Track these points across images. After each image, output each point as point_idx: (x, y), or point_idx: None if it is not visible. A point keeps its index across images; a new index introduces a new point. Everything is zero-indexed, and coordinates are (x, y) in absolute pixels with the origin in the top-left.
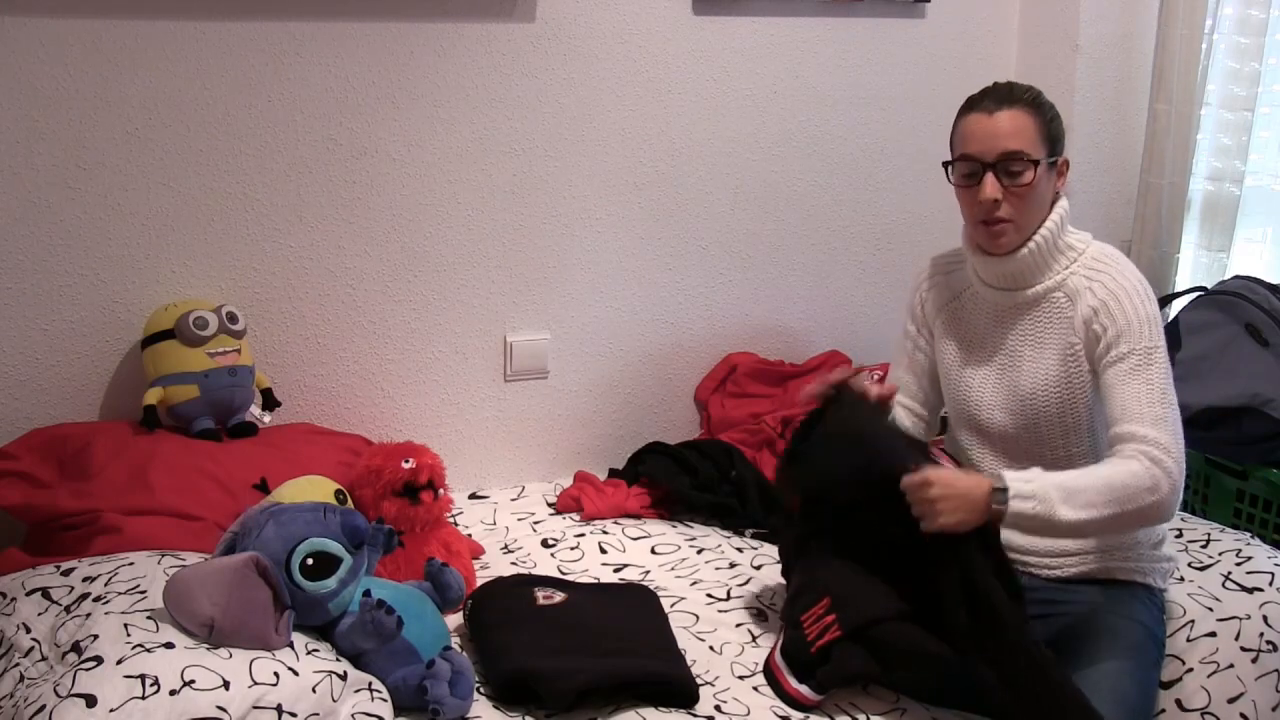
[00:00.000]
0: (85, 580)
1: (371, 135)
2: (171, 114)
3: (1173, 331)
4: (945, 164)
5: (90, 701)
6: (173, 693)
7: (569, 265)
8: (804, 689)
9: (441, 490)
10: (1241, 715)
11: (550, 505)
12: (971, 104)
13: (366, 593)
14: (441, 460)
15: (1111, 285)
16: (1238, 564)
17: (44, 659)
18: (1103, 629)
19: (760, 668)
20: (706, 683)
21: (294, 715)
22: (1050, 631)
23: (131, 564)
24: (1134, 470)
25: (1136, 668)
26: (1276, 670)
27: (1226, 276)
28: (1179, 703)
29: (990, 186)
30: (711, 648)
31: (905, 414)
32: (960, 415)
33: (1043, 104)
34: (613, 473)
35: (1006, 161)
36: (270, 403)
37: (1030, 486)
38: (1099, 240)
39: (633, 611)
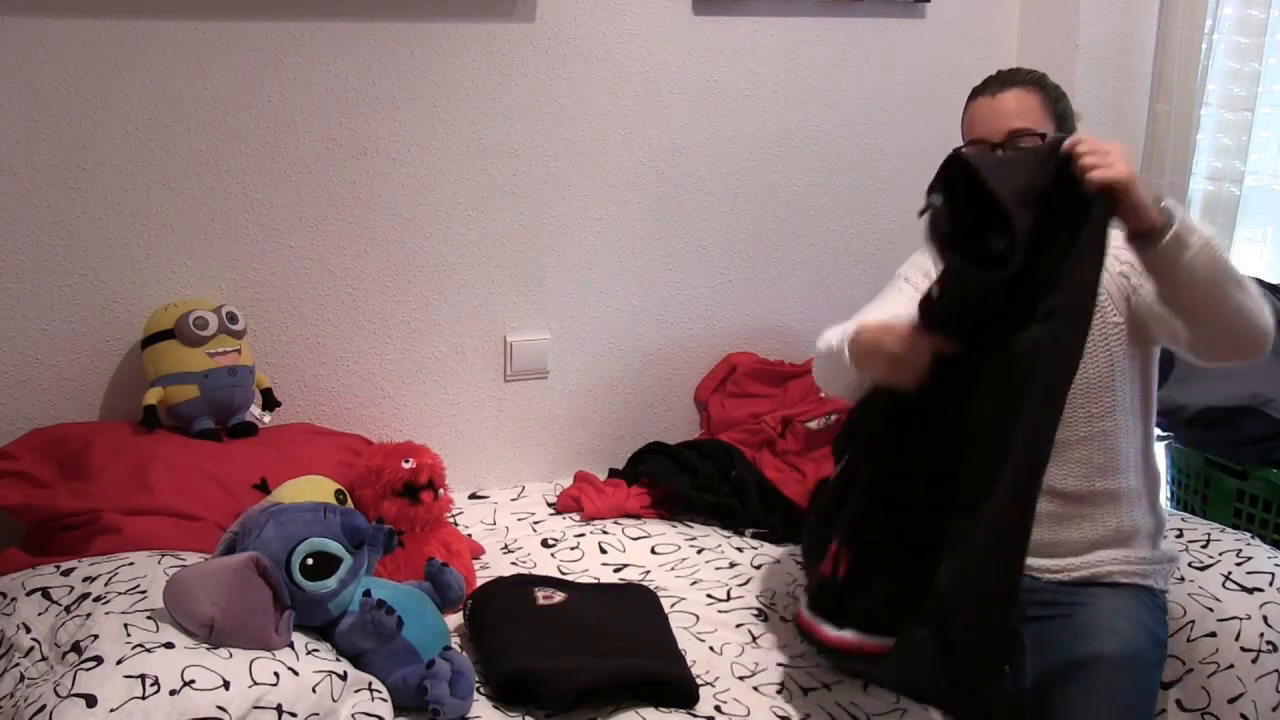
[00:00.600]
0: (85, 580)
1: (371, 135)
2: (171, 114)
3: None
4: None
5: (90, 701)
6: (173, 693)
7: (569, 265)
8: (845, 635)
9: (441, 490)
10: (1241, 715)
11: (550, 505)
12: (976, 90)
13: (366, 593)
14: (441, 460)
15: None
16: (1238, 564)
17: (44, 659)
18: (1104, 631)
19: (760, 667)
20: (706, 683)
21: (294, 715)
22: (1051, 633)
23: (131, 564)
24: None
25: (1137, 669)
26: (1276, 670)
27: None
28: (1179, 703)
29: None
30: (711, 648)
31: None
32: None
33: (1047, 84)
34: (613, 473)
35: (1014, 139)
36: (270, 403)
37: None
38: None
39: (633, 611)
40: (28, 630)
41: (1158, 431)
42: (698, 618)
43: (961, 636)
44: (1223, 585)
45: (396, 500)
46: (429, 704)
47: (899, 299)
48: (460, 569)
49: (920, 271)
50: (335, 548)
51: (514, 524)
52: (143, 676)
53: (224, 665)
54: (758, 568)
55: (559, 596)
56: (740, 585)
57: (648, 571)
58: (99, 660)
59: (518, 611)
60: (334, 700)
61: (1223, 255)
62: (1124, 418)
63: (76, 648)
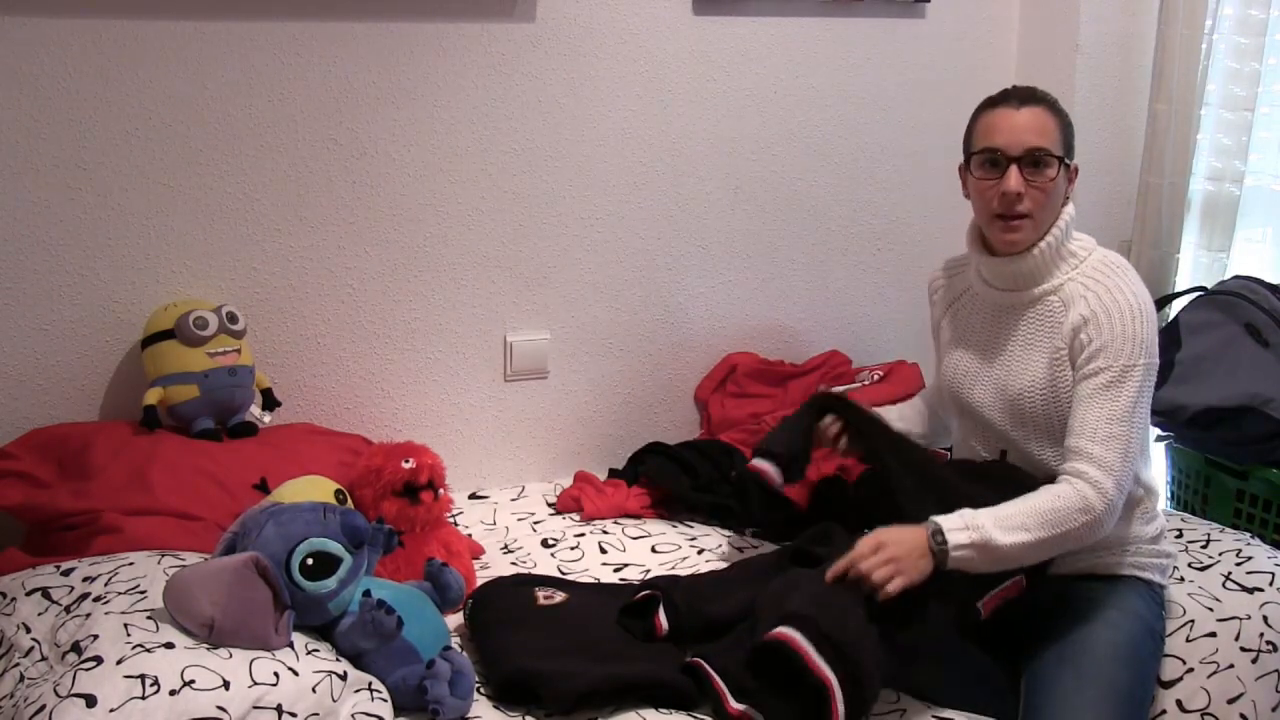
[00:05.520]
0: (85, 580)
1: (371, 135)
2: (171, 114)
3: (1172, 331)
4: (966, 157)
5: (90, 701)
6: (173, 693)
7: (569, 265)
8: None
9: (441, 490)
10: (1241, 716)
11: (550, 505)
12: (994, 101)
13: (366, 593)
14: (441, 460)
15: (1106, 299)
16: (1238, 564)
17: (44, 659)
18: (1098, 621)
19: None
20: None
21: (294, 715)
22: (1049, 624)
23: (131, 564)
24: (1062, 493)
25: (1129, 659)
26: (1276, 670)
27: (1226, 276)
28: (1179, 703)
29: (1014, 179)
30: None
31: (920, 418)
32: (961, 415)
33: (1061, 110)
34: (613, 473)
35: (1032, 154)
36: (270, 403)
37: (960, 519)
38: (1102, 244)
39: None
40: (28, 630)
41: (1158, 432)
42: None
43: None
44: (1223, 585)
45: (396, 500)
46: (429, 704)
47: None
48: (460, 569)
49: (930, 308)
50: (335, 548)
51: (514, 524)
52: (143, 676)
53: (224, 665)
54: None
55: (559, 596)
56: None
57: (648, 571)
58: (99, 660)
59: (518, 611)
60: (334, 700)
61: (1016, 541)
62: None
63: (76, 648)
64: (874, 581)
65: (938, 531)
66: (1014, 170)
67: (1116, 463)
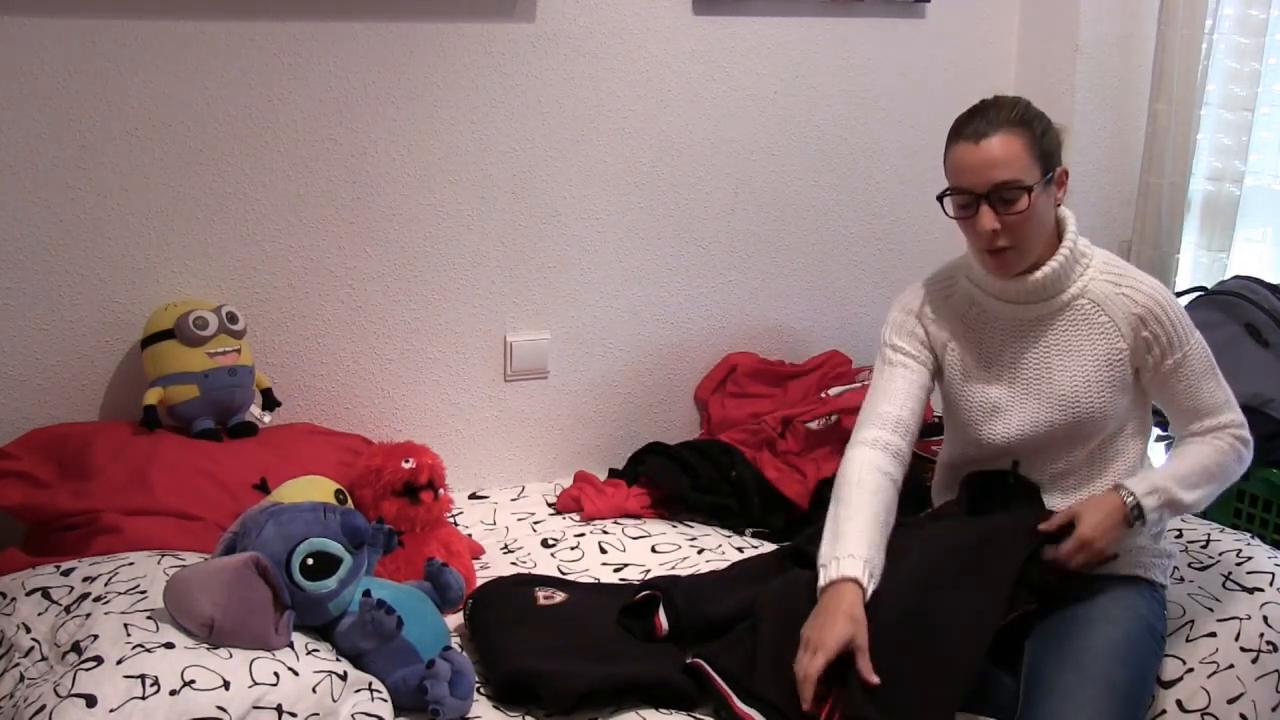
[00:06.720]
0: (85, 580)
1: (371, 135)
2: (171, 114)
3: None
4: (939, 196)
5: (90, 701)
6: (173, 693)
7: (569, 265)
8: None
9: (441, 490)
10: (1241, 716)
11: (550, 505)
12: (958, 131)
13: (366, 593)
14: (441, 460)
15: (1145, 289)
16: (1238, 564)
17: (44, 659)
18: (1099, 620)
19: None
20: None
21: (294, 715)
22: (1049, 622)
23: (131, 564)
24: (1222, 449)
25: (1130, 659)
26: (1276, 670)
27: (1226, 276)
28: (1179, 703)
29: (987, 218)
30: None
31: (884, 456)
32: (980, 435)
33: (1031, 120)
34: (613, 473)
35: (999, 191)
36: (270, 403)
37: (1147, 484)
38: (1103, 244)
39: None
40: (28, 630)
41: (1158, 431)
42: None
43: None
44: (1223, 585)
45: (396, 500)
46: (429, 704)
47: (897, 381)
48: (460, 569)
49: (904, 333)
50: (335, 548)
51: (514, 524)
52: (143, 676)
53: (224, 665)
54: None
55: (559, 596)
56: None
57: (648, 571)
58: (99, 660)
59: (518, 611)
60: (334, 700)
61: (1195, 498)
62: (1126, 439)
63: (76, 648)
64: (1074, 568)
65: (1136, 507)
66: (985, 209)
67: (1240, 415)
